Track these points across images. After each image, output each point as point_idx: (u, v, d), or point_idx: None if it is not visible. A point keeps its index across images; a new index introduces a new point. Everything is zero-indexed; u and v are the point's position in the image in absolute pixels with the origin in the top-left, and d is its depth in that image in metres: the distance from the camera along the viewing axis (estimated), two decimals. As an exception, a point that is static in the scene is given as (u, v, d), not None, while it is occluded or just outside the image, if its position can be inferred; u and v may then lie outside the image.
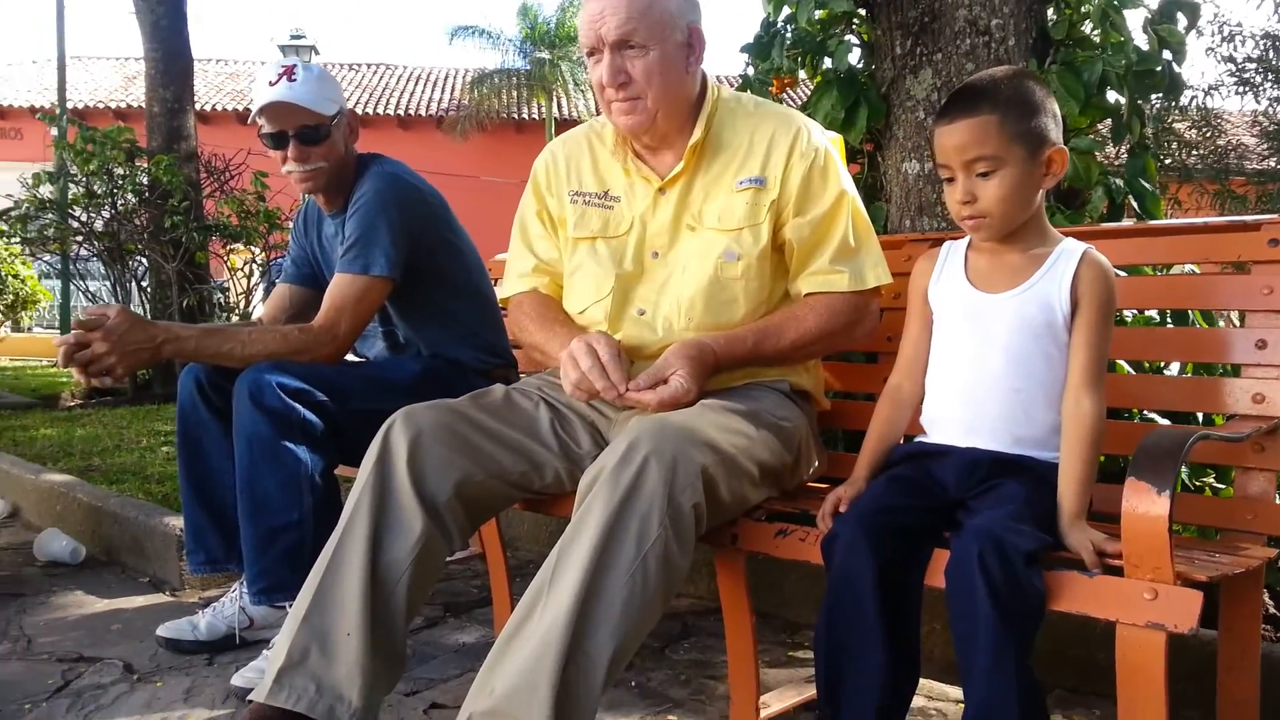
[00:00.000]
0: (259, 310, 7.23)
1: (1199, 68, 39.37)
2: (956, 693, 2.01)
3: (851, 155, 2.79)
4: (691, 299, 1.81)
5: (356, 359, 2.50)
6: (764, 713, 1.78)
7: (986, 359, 1.56)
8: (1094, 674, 1.96)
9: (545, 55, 21.70)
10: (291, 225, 2.86)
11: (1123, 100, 2.64)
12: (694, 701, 2.01)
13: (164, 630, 2.28)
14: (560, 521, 2.92)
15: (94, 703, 2.01)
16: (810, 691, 1.53)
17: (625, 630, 1.44)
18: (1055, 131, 1.55)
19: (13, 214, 7.00)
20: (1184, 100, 9.88)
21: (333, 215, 2.39)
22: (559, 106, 21.77)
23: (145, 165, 6.72)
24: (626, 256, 1.88)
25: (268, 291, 7.13)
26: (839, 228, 1.83)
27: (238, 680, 2.03)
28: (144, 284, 7.05)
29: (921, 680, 1.51)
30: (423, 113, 21.63)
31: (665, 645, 2.32)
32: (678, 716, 1.94)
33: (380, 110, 21.27)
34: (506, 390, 1.88)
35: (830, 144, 1.88)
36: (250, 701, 1.61)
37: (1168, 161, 10.53)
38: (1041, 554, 1.35)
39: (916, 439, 1.67)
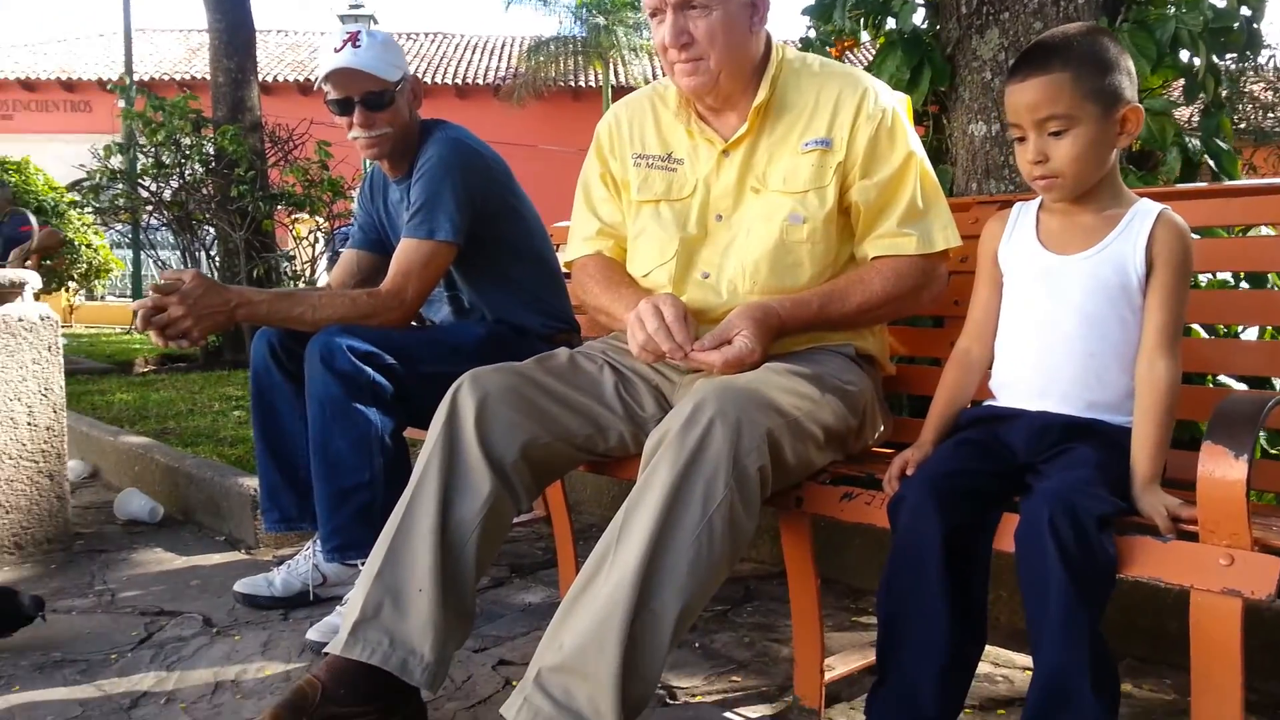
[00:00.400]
0: (324, 278, 7.37)
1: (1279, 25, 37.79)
2: (1023, 659, 2.00)
3: (916, 119, 2.75)
4: (756, 262, 1.81)
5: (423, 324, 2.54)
6: (828, 675, 1.79)
7: (1059, 322, 1.54)
8: (1165, 643, 1.94)
9: (601, 21, 21.57)
10: (356, 193, 2.90)
11: (1197, 60, 2.56)
12: (758, 663, 2.03)
13: (241, 586, 2.36)
14: (623, 485, 2.96)
15: (175, 654, 2.09)
16: (874, 656, 1.53)
17: (691, 590, 1.45)
18: (1130, 90, 1.51)
19: (85, 185, 7.19)
20: (1262, 59, 9.54)
21: (397, 181, 2.42)
22: (615, 73, 21.66)
23: (211, 135, 6.84)
24: (690, 220, 1.87)
25: (332, 260, 7.25)
26: (906, 190, 1.80)
27: (312, 634, 2.10)
28: (212, 253, 7.21)
29: (987, 647, 1.51)
30: (480, 81, 21.68)
31: (729, 609, 2.34)
32: (741, 677, 1.96)
33: (438, 80, 21.36)
34: (571, 354, 1.90)
35: (898, 104, 1.85)
36: (325, 654, 1.66)
37: (1242, 125, 10.20)
38: (1114, 518, 1.34)
39: (985, 403, 1.66)
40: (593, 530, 2.19)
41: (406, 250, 2.23)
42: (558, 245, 2.59)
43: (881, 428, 1.91)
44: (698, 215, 1.87)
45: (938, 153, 2.83)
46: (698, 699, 1.87)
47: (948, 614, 1.42)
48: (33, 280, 2.79)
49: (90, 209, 7.67)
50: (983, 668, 1.90)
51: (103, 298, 12.97)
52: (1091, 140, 1.48)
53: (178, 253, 7.51)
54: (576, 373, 1.85)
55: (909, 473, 1.56)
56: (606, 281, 1.94)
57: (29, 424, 2.73)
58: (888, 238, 1.81)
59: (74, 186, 7.35)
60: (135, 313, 2.08)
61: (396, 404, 2.09)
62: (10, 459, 2.70)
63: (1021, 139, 1.54)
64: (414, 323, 2.36)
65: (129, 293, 11.34)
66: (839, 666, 1.85)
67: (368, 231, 2.56)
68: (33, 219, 7.94)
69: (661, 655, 1.45)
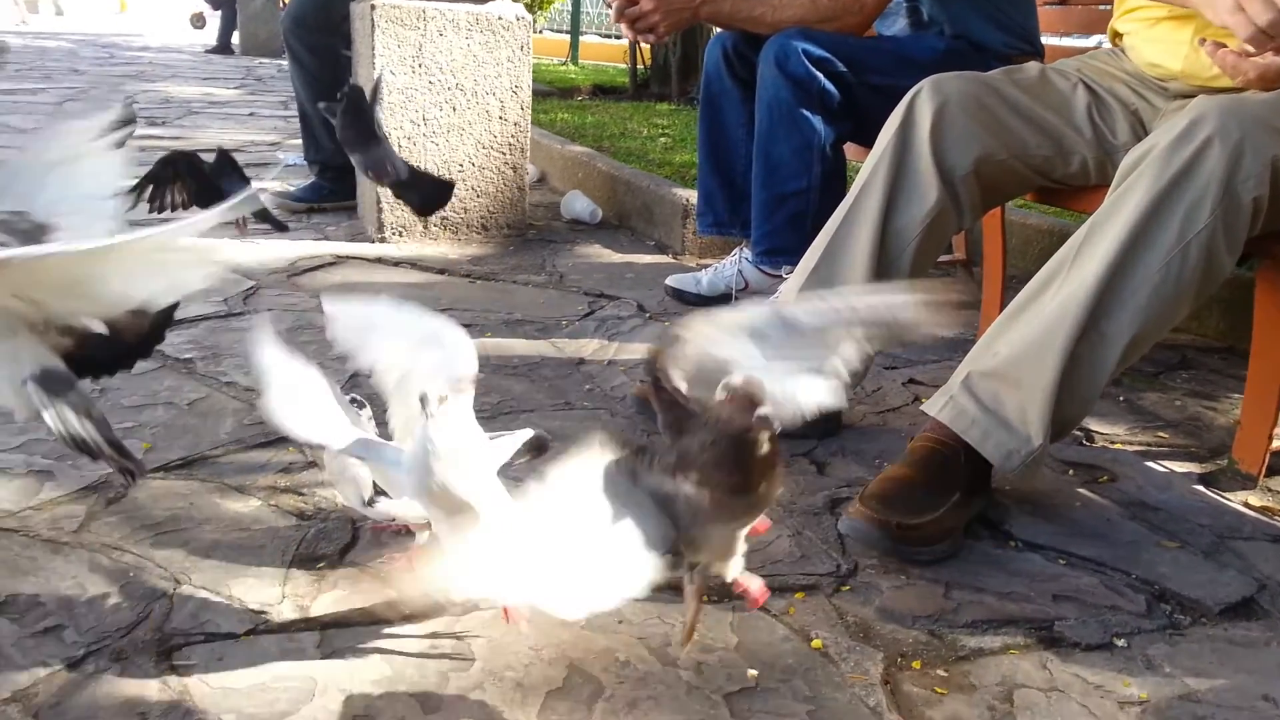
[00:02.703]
0: None
1: None
2: None
3: None
4: None
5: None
6: (1275, 444, 1.65)
7: None
8: None
9: None
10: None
11: None
12: (1188, 425, 1.91)
13: (671, 280, 2.56)
14: (1055, 238, 2.79)
15: (614, 329, 2.33)
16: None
17: (1148, 317, 1.37)
18: None
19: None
20: None
21: None
22: None
23: None
24: None
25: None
26: None
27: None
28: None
29: None
30: None
31: (1160, 372, 2.20)
32: (1169, 435, 1.86)
33: None
34: (1043, 68, 1.77)
35: None
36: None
37: None
38: None
39: None
40: (1013, 282, 2.10)
41: None
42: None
43: None
44: None
45: None
46: (1117, 446, 1.80)
47: None
48: (511, -20, 3.03)
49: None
50: None
51: (541, 31, 13.86)
52: None
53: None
54: (1046, 88, 1.73)
55: None
56: None
57: (500, 118, 3.05)
58: None
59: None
60: (610, 4, 2.20)
61: (842, 114, 2.08)
62: (484, 148, 3.05)
63: None
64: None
65: (565, 27, 11.97)
66: (1290, 438, 1.69)
67: None
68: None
69: (1102, 380, 1.40)
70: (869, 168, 1.70)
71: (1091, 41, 3.63)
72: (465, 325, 1.21)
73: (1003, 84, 1.70)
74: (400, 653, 1.14)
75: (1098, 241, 1.38)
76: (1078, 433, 1.82)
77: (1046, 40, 2.38)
